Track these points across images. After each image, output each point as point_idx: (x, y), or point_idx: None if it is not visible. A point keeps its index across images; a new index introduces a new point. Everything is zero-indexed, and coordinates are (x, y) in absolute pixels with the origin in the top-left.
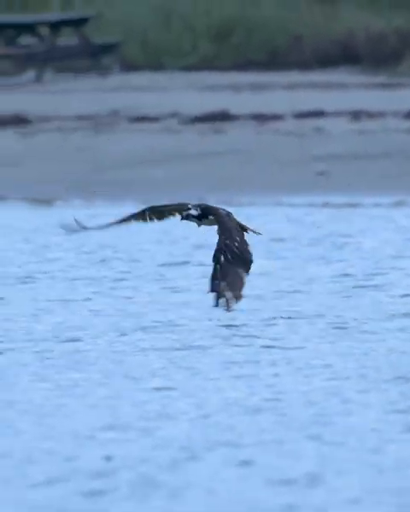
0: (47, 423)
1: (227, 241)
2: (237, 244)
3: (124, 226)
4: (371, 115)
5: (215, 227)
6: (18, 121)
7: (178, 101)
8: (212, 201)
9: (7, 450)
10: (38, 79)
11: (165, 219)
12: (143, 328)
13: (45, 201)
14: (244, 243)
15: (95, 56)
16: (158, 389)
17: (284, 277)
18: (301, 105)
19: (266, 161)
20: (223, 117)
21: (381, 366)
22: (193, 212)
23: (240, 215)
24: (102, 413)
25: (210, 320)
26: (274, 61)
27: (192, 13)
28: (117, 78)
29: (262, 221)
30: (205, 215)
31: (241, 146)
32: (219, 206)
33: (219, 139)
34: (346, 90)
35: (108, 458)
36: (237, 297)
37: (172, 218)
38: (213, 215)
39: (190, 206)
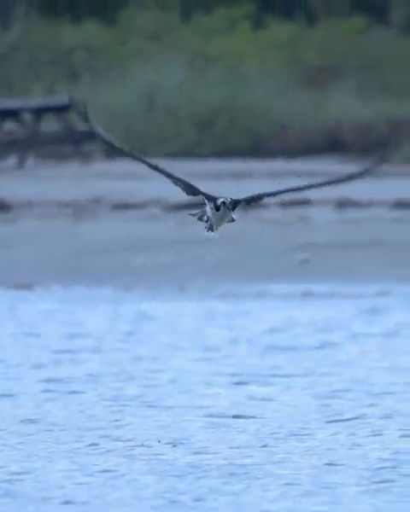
0: None
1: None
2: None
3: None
4: (357, 204)
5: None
6: None
7: (160, 189)
8: (193, 290)
9: None
10: (20, 165)
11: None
12: None
13: (25, 286)
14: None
15: (78, 143)
16: None
17: None
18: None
19: (251, 249)
20: (204, 205)
21: None
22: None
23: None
24: None
25: None
26: (258, 148)
27: (176, 100)
28: (99, 166)
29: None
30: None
31: (224, 234)
32: None
33: (202, 227)
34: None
35: None
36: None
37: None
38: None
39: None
